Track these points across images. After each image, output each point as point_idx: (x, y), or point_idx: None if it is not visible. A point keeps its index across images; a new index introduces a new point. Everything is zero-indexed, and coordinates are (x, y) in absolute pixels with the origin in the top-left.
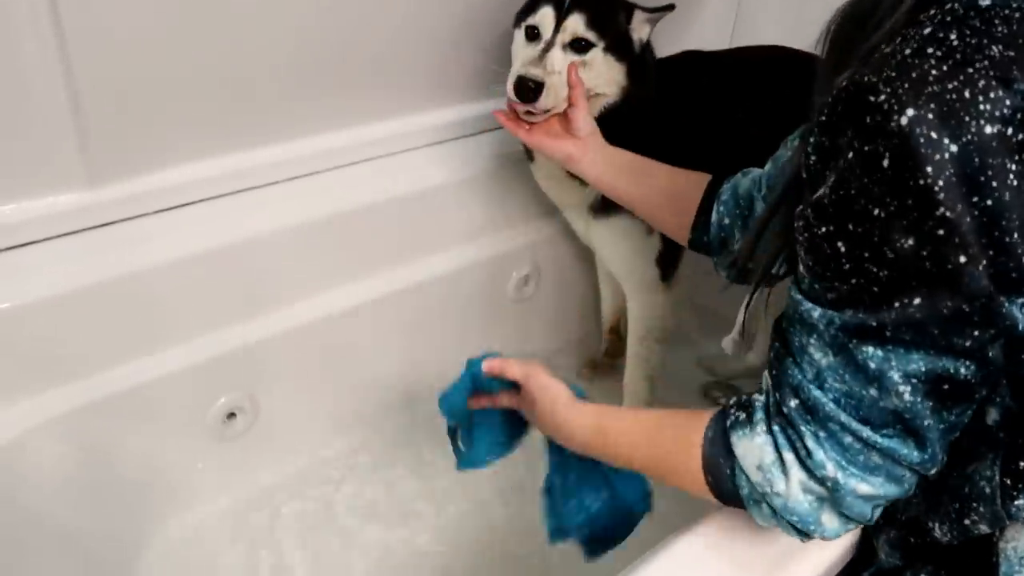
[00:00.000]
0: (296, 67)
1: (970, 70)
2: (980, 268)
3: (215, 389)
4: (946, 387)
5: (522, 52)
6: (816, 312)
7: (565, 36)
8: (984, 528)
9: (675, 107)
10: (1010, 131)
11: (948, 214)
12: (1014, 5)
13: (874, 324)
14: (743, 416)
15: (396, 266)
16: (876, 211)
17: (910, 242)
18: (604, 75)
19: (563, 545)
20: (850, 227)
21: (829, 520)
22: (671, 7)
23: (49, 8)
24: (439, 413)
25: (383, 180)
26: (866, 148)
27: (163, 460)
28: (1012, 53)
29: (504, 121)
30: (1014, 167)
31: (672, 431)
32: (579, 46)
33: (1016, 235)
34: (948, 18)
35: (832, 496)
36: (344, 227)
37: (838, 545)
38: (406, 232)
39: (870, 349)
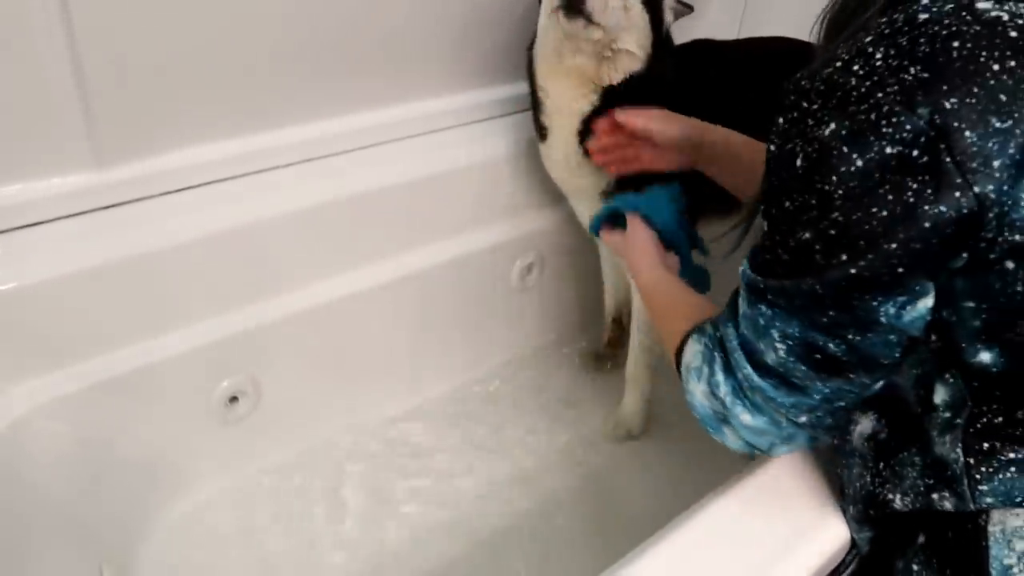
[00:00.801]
0: (306, 50)
1: (880, 94)
2: (856, 268)
3: (219, 372)
4: (818, 356)
5: (566, 28)
6: (741, 267)
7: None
8: (948, 507)
9: (685, 94)
10: (914, 153)
11: (840, 218)
12: (946, 23)
13: (762, 287)
14: (705, 325)
15: (399, 253)
16: (787, 203)
17: (807, 235)
18: (639, 29)
19: None
20: (772, 212)
21: (731, 436)
22: (690, 8)
23: None
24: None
25: (387, 166)
26: (790, 146)
27: (166, 443)
28: (927, 75)
29: (598, 158)
30: (914, 185)
31: (680, 320)
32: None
33: (896, 245)
34: (886, 31)
35: (727, 418)
36: (349, 213)
37: (833, 541)
38: (410, 219)
39: (762, 307)
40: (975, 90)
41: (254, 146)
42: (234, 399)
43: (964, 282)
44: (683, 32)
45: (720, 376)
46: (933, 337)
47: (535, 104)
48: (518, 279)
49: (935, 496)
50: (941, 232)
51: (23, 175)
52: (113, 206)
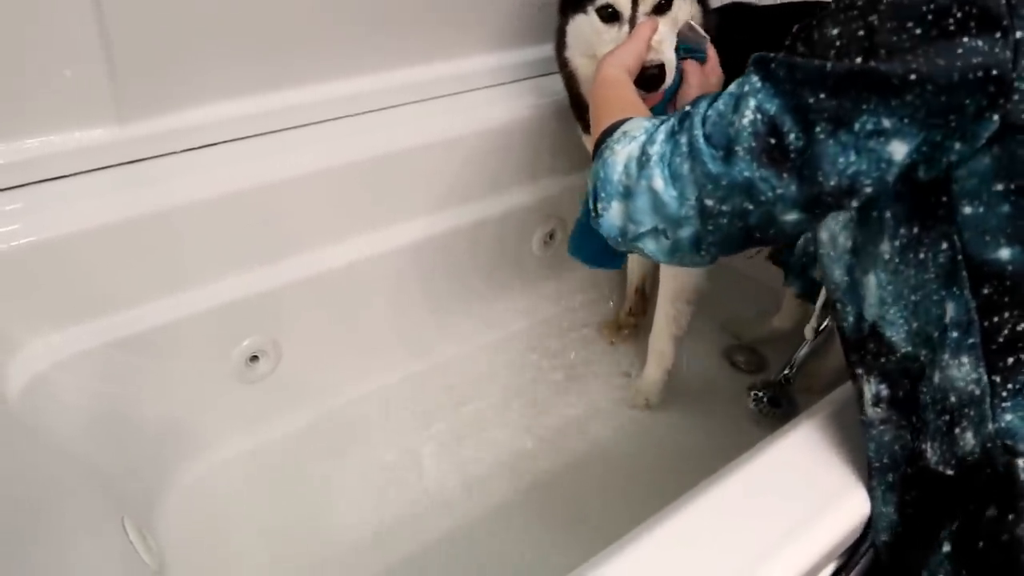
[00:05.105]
0: (331, 6)
1: None
2: (875, 62)
3: (239, 331)
4: (772, 141)
5: (606, 37)
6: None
7: (646, 6)
8: (970, 438)
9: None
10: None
11: (876, 23)
12: None
13: (769, 58)
14: (667, 116)
15: (421, 215)
16: (833, 4)
17: (835, 31)
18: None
19: None
20: (810, 22)
21: (615, 212)
22: None
23: None
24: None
25: (410, 128)
26: None
27: (186, 400)
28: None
29: None
30: (959, 14)
31: (627, 112)
32: (661, 6)
33: (923, 58)
34: None
35: (633, 185)
36: (372, 173)
37: (851, 517)
38: (432, 181)
39: (755, 78)
40: None
41: (277, 104)
42: (255, 358)
43: (992, 159)
44: None
45: (661, 136)
46: (944, 246)
47: (576, 102)
48: (539, 245)
49: (956, 432)
50: (967, 64)
51: (44, 129)
52: (134, 162)
